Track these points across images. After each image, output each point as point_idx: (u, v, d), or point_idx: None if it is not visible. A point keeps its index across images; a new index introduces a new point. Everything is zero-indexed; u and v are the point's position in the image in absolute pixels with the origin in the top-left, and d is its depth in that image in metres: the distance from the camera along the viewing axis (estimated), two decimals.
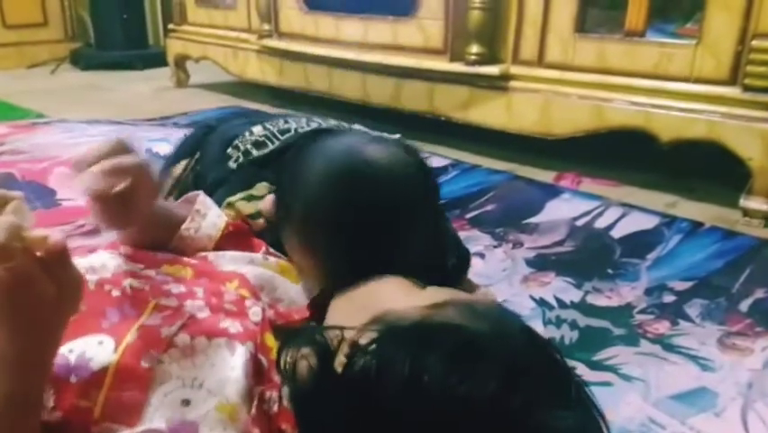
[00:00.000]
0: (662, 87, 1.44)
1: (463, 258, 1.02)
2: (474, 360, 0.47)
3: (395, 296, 0.57)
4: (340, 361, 0.50)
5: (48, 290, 0.44)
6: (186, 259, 0.65)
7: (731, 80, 1.35)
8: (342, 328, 0.52)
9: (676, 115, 1.42)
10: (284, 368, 0.53)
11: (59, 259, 0.46)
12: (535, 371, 0.48)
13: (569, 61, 1.57)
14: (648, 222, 1.35)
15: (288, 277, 0.69)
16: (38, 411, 0.47)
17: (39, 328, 0.46)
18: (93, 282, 0.58)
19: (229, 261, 0.67)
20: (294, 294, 0.67)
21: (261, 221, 0.80)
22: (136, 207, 0.58)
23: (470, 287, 1.02)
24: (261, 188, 0.85)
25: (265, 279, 0.66)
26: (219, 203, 0.84)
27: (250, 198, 0.85)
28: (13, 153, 1.63)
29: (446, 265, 0.94)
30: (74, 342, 0.53)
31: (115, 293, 0.56)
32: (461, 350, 0.47)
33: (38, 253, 0.44)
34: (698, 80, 1.40)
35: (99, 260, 0.61)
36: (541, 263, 1.18)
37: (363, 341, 0.50)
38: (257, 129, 0.98)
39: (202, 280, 0.62)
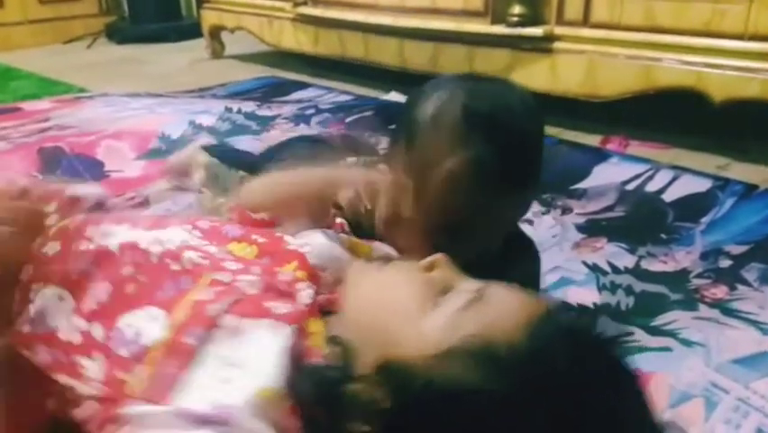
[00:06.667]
0: (715, 45, 1.38)
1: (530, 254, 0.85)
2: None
3: (406, 312, 0.53)
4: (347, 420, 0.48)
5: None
6: (254, 236, 0.64)
7: None
8: (348, 377, 0.50)
9: (730, 75, 1.37)
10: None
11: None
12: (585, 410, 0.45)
13: (616, 20, 1.52)
14: (701, 185, 1.32)
15: (358, 253, 0.67)
16: None
17: None
18: (156, 255, 0.58)
19: (301, 234, 0.66)
20: None
21: None
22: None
23: None
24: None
25: (333, 256, 0.64)
26: None
27: None
28: (60, 128, 1.66)
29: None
30: (131, 315, 0.53)
31: (175, 267, 0.55)
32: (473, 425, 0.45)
33: None
34: (752, 38, 1.34)
35: (167, 234, 0.61)
36: (592, 229, 1.16)
37: (370, 397, 0.47)
38: None
39: (263, 259, 0.60)
